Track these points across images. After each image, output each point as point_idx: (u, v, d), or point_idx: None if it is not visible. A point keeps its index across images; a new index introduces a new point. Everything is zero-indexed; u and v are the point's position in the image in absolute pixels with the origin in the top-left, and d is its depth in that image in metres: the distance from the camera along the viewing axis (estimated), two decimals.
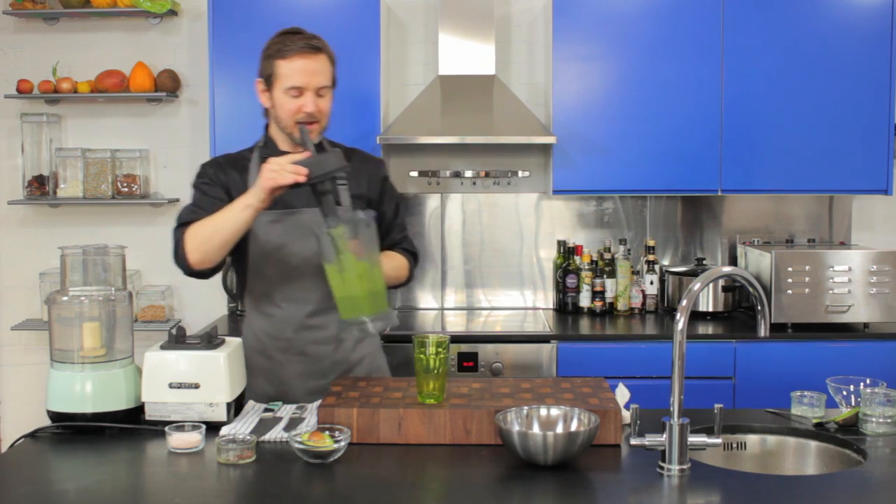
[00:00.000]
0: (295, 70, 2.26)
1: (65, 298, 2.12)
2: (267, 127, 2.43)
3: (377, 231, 2.13)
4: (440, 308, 4.05)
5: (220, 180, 2.35)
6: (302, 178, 2.04)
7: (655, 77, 3.64)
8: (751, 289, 1.87)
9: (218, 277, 3.91)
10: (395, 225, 2.51)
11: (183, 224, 2.27)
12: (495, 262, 4.05)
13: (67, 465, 1.90)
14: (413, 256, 2.52)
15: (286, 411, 2.17)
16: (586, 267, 3.84)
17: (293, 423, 2.06)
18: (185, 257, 2.21)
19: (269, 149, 2.38)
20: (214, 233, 2.18)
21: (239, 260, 2.39)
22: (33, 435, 2.03)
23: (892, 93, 3.64)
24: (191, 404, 2.06)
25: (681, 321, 1.79)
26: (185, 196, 3.95)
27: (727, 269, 1.86)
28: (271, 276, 2.34)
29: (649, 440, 1.79)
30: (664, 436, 1.77)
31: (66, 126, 3.99)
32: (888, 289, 3.48)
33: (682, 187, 3.71)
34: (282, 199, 2.22)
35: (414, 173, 3.93)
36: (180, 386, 2.06)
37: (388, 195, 2.50)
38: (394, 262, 2.42)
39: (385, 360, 2.56)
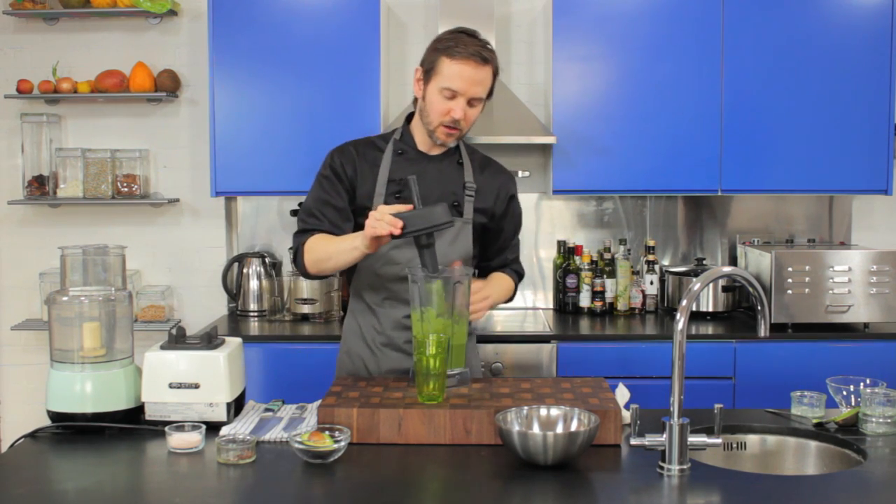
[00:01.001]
0: (457, 73, 2.21)
1: (65, 298, 2.12)
2: (409, 117, 2.40)
3: (469, 287, 2.16)
4: None
5: (345, 173, 2.34)
6: (397, 232, 2.01)
7: (655, 77, 3.64)
8: (751, 289, 1.87)
9: (218, 277, 3.93)
10: (511, 245, 2.51)
11: (302, 232, 2.34)
12: None
13: (67, 465, 1.90)
14: (519, 277, 2.55)
15: (286, 411, 2.17)
16: (586, 267, 3.84)
17: (293, 423, 2.06)
18: (304, 267, 2.32)
19: (404, 142, 2.38)
20: (328, 258, 2.25)
21: None
22: (33, 435, 2.03)
23: (892, 93, 3.64)
24: (191, 404, 2.06)
25: (681, 321, 1.79)
26: (185, 196, 3.99)
27: (727, 269, 1.86)
28: (378, 273, 2.34)
29: (649, 440, 1.79)
30: (664, 436, 1.77)
31: (65, 126, 3.99)
32: (888, 289, 3.48)
33: (683, 187, 3.71)
34: (408, 202, 2.23)
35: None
36: (180, 386, 2.06)
37: (512, 214, 2.48)
38: (503, 285, 2.45)
39: (479, 361, 2.56)
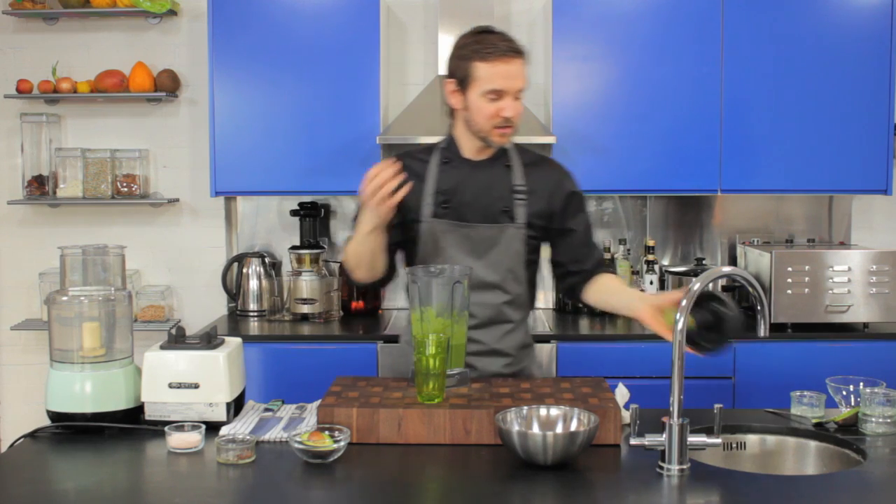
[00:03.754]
0: (497, 73, 2.17)
1: (64, 298, 2.12)
2: (451, 126, 2.36)
3: (466, 284, 2.13)
4: None
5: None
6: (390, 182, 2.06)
7: (655, 77, 3.64)
8: (750, 289, 1.87)
9: (218, 277, 3.93)
10: (589, 246, 2.38)
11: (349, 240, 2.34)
12: None
13: (67, 465, 1.90)
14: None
15: (286, 411, 2.17)
16: None
17: (293, 423, 2.06)
18: (352, 277, 2.32)
19: (451, 151, 2.34)
20: (358, 262, 2.26)
21: (409, 262, 2.38)
22: (33, 435, 2.03)
23: (892, 93, 3.64)
24: (190, 404, 2.06)
25: (681, 321, 1.79)
26: (185, 196, 3.99)
27: (727, 269, 1.86)
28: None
29: (649, 440, 1.79)
30: (664, 436, 1.77)
31: (65, 126, 3.99)
32: (888, 289, 3.48)
33: (682, 187, 3.71)
34: (457, 212, 2.26)
35: None
36: (180, 386, 2.06)
37: (577, 211, 2.38)
38: (622, 285, 2.35)
39: (538, 364, 2.51)
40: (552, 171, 2.40)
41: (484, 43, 2.19)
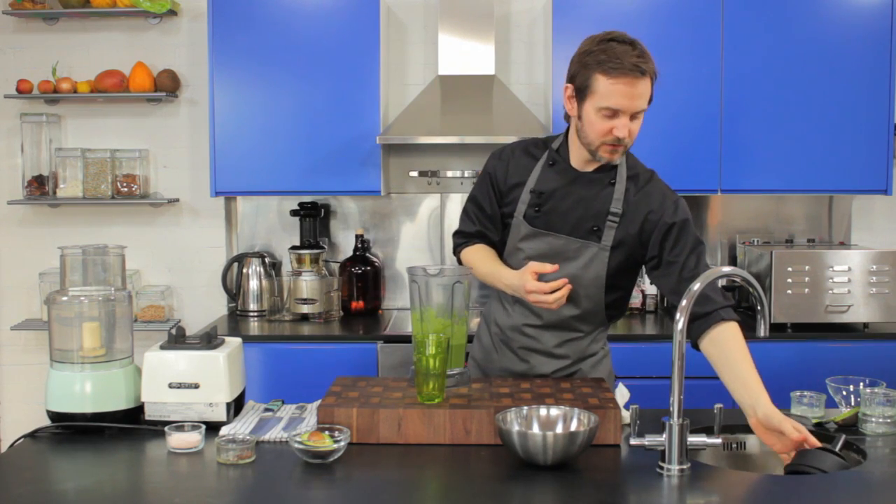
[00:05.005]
0: (617, 92, 2.05)
1: (64, 298, 2.12)
2: (567, 129, 2.28)
3: (468, 287, 2.15)
4: None
5: (497, 182, 2.34)
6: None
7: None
8: (750, 289, 1.87)
9: (218, 277, 3.93)
10: (698, 271, 2.12)
11: (459, 233, 2.43)
12: None
13: (67, 465, 1.90)
14: (736, 312, 2.13)
15: (286, 411, 2.17)
16: None
17: (293, 423, 2.06)
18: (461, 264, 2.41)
19: (561, 154, 2.27)
20: (480, 275, 2.33)
21: (499, 250, 2.39)
22: (33, 435, 2.03)
23: (892, 93, 3.64)
24: (190, 404, 2.06)
25: (681, 321, 1.79)
26: (185, 196, 3.99)
27: (727, 269, 1.86)
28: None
29: (649, 440, 1.79)
30: (664, 436, 1.77)
31: (65, 126, 3.99)
32: (888, 289, 3.48)
33: (682, 187, 3.68)
34: (546, 218, 2.25)
35: (414, 173, 3.93)
36: (180, 386, 2.06)
37: (674, 242, 2.17)
38: (745, 353, 2.02)
39: (604, 370, 2.39)
40: (654, 197, 2.22)
41: (610, 54, 2.05)
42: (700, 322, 2.08)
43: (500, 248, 2.38)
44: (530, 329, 2.33)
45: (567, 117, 2.24)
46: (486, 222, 2.37)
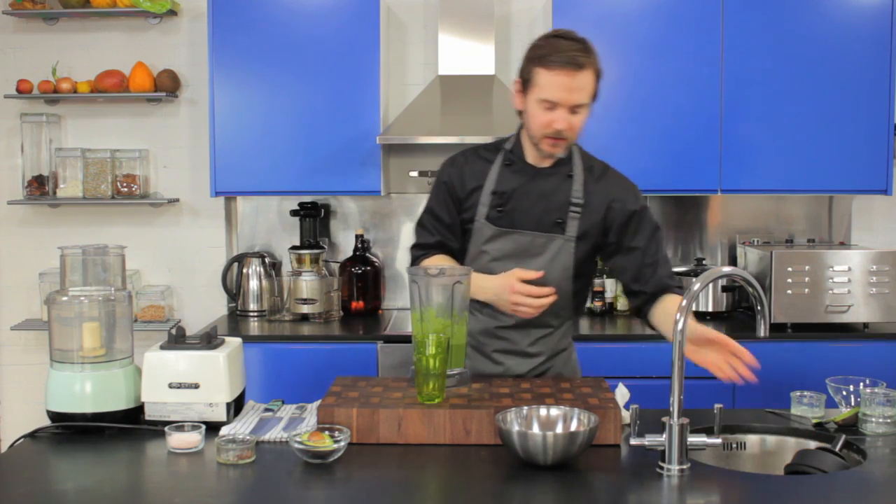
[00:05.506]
0: (553, 84, 2.12)
1: (64, 298, 2.12)
2: (519, 126, 2.34)
3: (467, 284, 2.14)
4: None
5: (454, 189, 2.33)
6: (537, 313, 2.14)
7: (655, 77, 3.64)
8: (750, 289, 1.87)
9: (218, 277, 3.93)
10: (658, 261, 2.27)
11: (417, 246, 2.38)
12: None
13: (67, 465, 1.90)
14: (682, 290, 2.26)
15: (286, 411, 2.17)
16: None
17: (293, 423, 2.06)
18: None
19: (515, 153, 2.32)
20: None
21: (459, 258, 2.38)
22: (33, 435, 2.03)
23: (892, 93, 3.64)
24: (190, 404, 2.06)
25: (681, 321, 1.79)
26: (185, 196, 3.99)
27: (727, 269, 1.86)
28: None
29: (649, 440, 1.79)
30: (664, 436, 1.77)
31: (65, 126, 3.99)
32: (888, 289, 3.48)
33: (682, 187, 3.71)
34: (510, 217, 2.25)
35: (414, 173, 3.93)
36: (180, 386, 2.06)
37: (639, 229, 2.28)
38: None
39: (572, 368, 2.44)
40: (613, 186, 2.32)
41: (551, 48, 2.13)
42: (642, 299, 2.28)
43: (459, 257, 2.37)
44: (503, 331, 2.34)
45: (519, 113, 2.29)
46: (445, 232, 2.35)
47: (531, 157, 2.30)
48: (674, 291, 2.24)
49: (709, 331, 2.02)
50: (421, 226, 2.39)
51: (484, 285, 2.22)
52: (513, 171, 2.31)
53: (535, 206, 2.28)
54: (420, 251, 2.39)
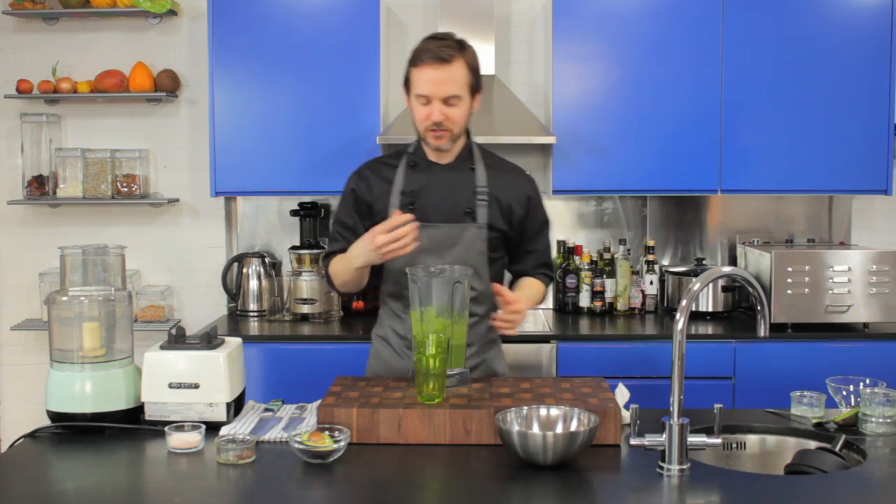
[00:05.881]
0: (422, 79, 2.27)
1: (64, 298, 2.12)
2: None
3: (467, 285, 2.17)
4: None
5: (362, 197, 2.42)
6: (409, 250, 2.16)
7: (655, 77, 3.64)
8: (750, 289, 1.87)
9: (218, 277, 3.93)
10: (537, 248, 2.50)
11: (328, 255, 2.47)
12: None
13: (67, 465, 1.90)
14: (549, 280, 2.55)
15: (286, 411, 2.17)
16: (586, 267, 3.84)
17: (293, 423, 2.06)
18: (336, 289, 2.47)
19: (417, 155, 2.43)
20: (346, 277, 2.36)
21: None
22: (33, 435, 2.03)
23: (892, 93, 3.64)
24: (190, 404, 2.06)
25: (681, 321, 1.79)
26: (185, 196, 3.99)
27: (727, 269, 1.86)
28: (402, 282, 2.34)
29: (649, 440, 1.79)
30: (664, 436, 1.77)
31: (65, 126, 3.99)
32: (888, 289, 3.48)
33: (682, 187, 3.71)
34: (421, 213, 2.30)
35: None
36: (180, 386, 2.06)
37: (532, 215, 2.47)
38: (532, 292, 2.46)
39: (504, 363, 2.55)
40: (514, 176, 2.47)
41: (420, 48, 2.30)
42: (515, 277, 2.52)
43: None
44: None
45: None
46: (352, 237, 2.39)
47: (432, 155, 2.41)
48: (537, 277, 2.49)
49: (508, 293, 2.25)
50: (331, 238, 2.49)
51: (354, 254, 2.28)
52: (418, 171, 2.41)
53: (444, 200, 2.37)
54: (331, 259, 2.46)
